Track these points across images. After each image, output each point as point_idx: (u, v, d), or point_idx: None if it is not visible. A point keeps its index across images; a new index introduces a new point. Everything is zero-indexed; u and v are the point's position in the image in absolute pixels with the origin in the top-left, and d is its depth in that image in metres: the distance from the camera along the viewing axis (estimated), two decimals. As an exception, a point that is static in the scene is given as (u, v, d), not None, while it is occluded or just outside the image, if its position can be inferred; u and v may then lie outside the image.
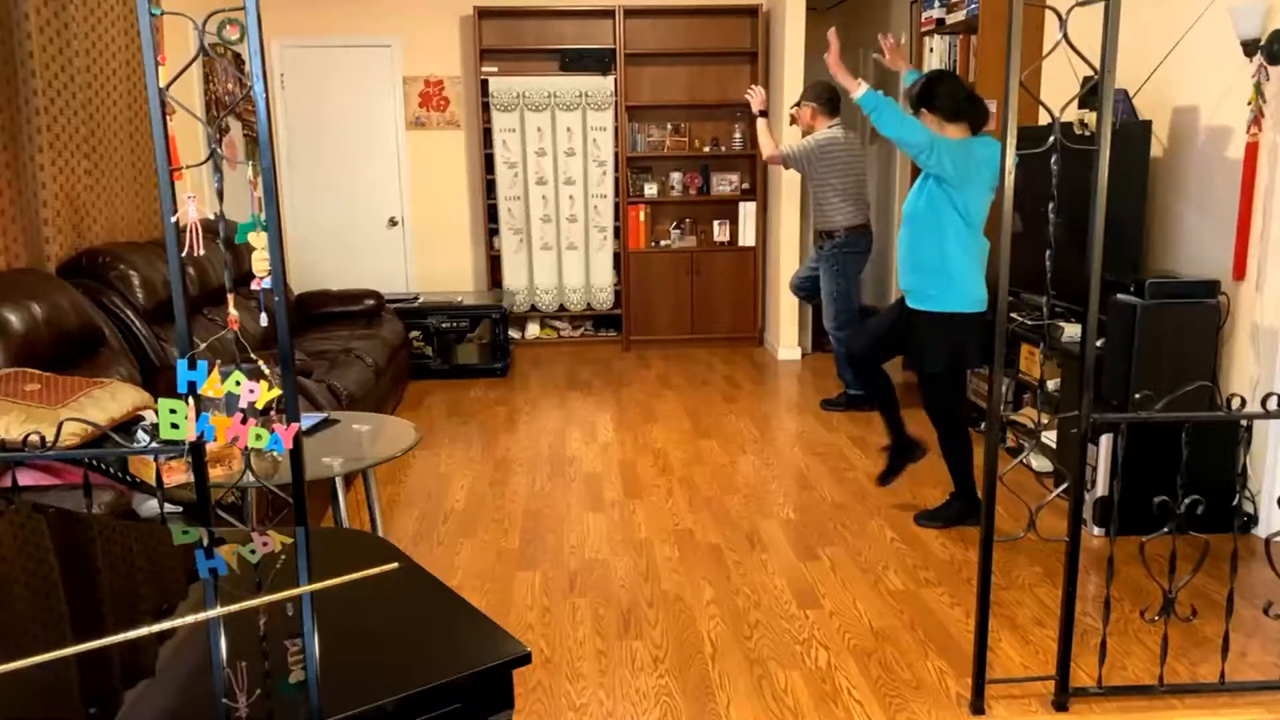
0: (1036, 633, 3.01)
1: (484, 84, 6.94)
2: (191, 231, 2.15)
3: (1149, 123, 4.02)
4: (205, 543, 1.79)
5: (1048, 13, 3.70)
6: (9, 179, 3.77)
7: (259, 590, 1.54)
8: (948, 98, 3.46)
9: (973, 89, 3.67)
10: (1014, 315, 4.56)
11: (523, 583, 3.41)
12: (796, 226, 6.71)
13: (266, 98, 2.12)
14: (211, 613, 1.47)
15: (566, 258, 7.21)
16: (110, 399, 2.86)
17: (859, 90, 3.50)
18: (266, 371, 2.31)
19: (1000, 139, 2.33)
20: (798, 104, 5.54)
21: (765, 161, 5.75)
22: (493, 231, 7.24)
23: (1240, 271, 3.74)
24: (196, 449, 2.24)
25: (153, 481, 2.58)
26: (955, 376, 3.70)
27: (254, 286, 2.19)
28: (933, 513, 3.85)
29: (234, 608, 1.48)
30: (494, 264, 7.32)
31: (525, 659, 1.37)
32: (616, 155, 7.05)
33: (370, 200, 7.31)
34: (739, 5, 7.10)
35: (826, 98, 5.42)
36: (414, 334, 6.37)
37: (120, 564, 1.70)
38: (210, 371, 2.13)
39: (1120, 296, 3.81)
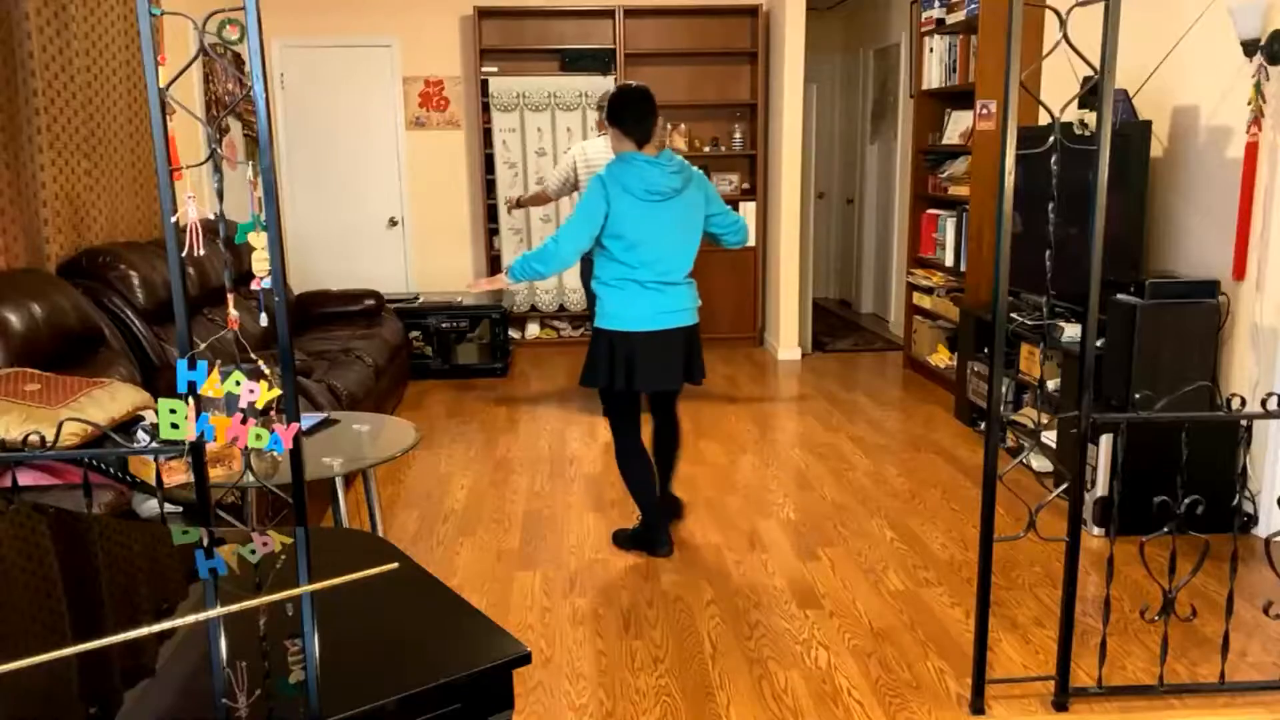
0: (1036, 633, 3.01)
1: (484, 84, 6.95)
2: (191, 231, 2.15)
3: (1149, 123, 4.02)
4: (205, 543, 1.79)
5: (1048, 13, 3.71)
6: (9, 179, 3.77)
7: (259, 590, 1.54)
8: (614, 117, 3.40)
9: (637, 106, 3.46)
10: (1014, 315, 4.57)
11: (523, 583, 3.41)
12: (796, 226, 6.71)
13: (266, 98, 2.12)
14: (211, 613, 1.47)
15: (566, 258, 7.21)
16: (110, 399, 2.87)
17: (506, 276, 3.53)
18: (266, 371, 2.31)
19: (1000, 139, 2.33)
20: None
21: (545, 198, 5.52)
22: (493, 231, 7.24)
23: (1240, 271, 3.74)
24: (196, 449, 2.24)
25: (153, 481, 2.58)
26: (623, 400, 3.54)
27: (254, 286, 2.19)
28: (623, 533, 3.72)
29: (234, 608, 1.48)
30: (494, 264, 7.32)
31: (525, 659, 1.37)
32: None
33: (370, 200, 7.31)
34: (739, 5, 7.10)
35: (601, 103, 4.92)
36: (414, 334, 6.38)
37: (120, 564, 1.70)
38: (210, 371, 2.13)
39: (1120, 296, 3.81)
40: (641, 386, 3.42)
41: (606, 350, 3.41)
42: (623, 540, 3.70)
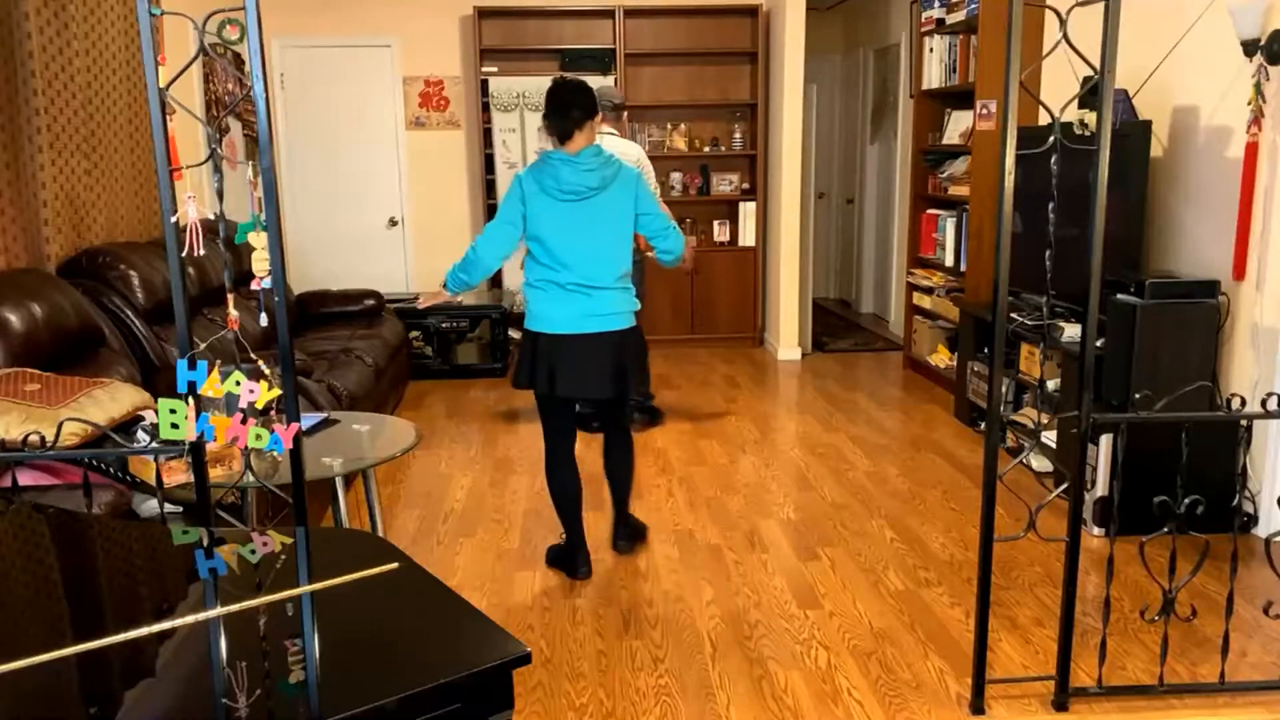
0: (1036, 633, 3.01)
1: (484, 84, 6.94)
2: (191, 231, 2.15)
3: (1149, 123, 4.02)
4: (205, 543, 1.79)
5: (1048, 13, 3.70)
6: (9, 179, 3.77)
7: (259, 590, 1.54)
8: (544, 113, 3.33)
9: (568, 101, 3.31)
10: (1014, 315, 4.56)
11: (523, 583, 3.41)
12: (796, 226, 6.71)
13: (266, 98, 2.12)
14: (211, 613, 1.47)
15: (566, 258, 7.21)
16: (110, 399, 2.86)
17: (445, 289, 3.41)
18: (266, 371, 2.31)
19: (1000, 139, 2.33)
20: None
21: None
22: (493, 231, 7.24)
23: (1240, 271, 3.74)
24: (196, 449, 2.24)
25: (153, 481, 2.58)
26: (551, 405, 3.38)
27: (254, 286, 2.19)
28: (552, 550, 3.58)
29: (234, 608, 1.48)
30: (494, 264, 7.32)
31: (525, 659, 1.37)
32: (616, 155, 7.04)
33: (370, 200, 7.31)
34: (739, 5, 7.10)
35: (611, 101, 4.45)
36: (414, 334, 6.38)
37: (120, 564, 1.70)
38: (210, 371, 2.13)
39: (1120, 296, 3.81)
40: (564, 391, 3.24)
41: (530, 351, 3.27)
42: (549, 558, 3.56)
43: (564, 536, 3.53)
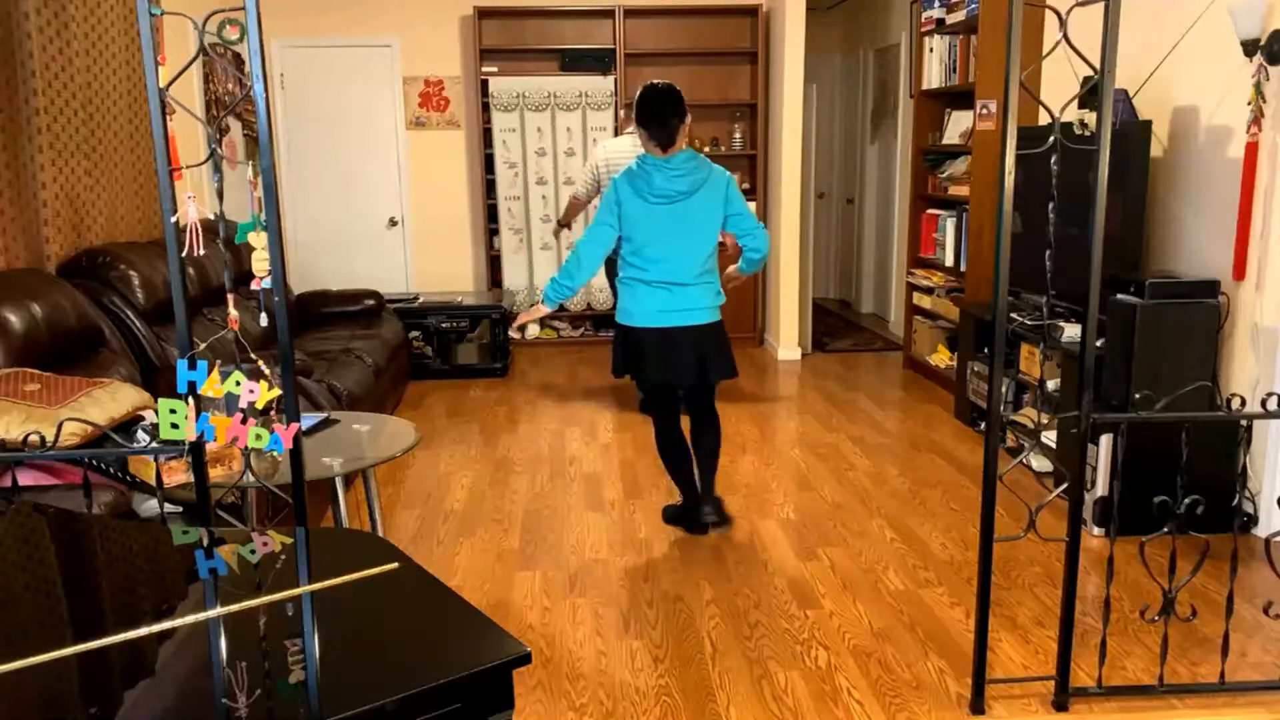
0: (1036, 633, 3.01)
1: (484, 84, 6.95)
2: (191, 231, 2.15)
3: (1149, 123, 4.02)
4: (205, 543, 1.79)
5: (1048, 13, 3.71)
6: (9, 179, 3.77)
7: (259, 590, 1.54)
8: (638, 119, 3.37)
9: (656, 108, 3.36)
10: (1014, 315, 4.57)
11: (523, 583, 3.41)
12: (796, 226, 6.71)
13: (266, 98, 2.12)
14: (211, 613, 1.47)
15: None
16: (110, 399, 2.87)
17: (544, 304, 3.55)
18: (266, 371, 2.31)
19: (1000, 139, 2.33)
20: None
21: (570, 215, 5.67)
22: (493, 231, 7.25)
23: (1240, 271, 3.74)
24: (196, 449, 2.24)
25: (153, 481, 2.58)
26: (656, 391, 3.72)
27: (254, 286, 2.19)
28: (670, 509, 3.92)
29: (234, 608, 1.48)
30: (494, 264, 7.32)
31: (525, 659, 1.37)
32: (616, 155, 7.04)
33: (370, 200, 7.31)
34: (739, 5, 7.10)
35: (630, 101, 4.78)
36: (414, 334, 6.38)
37: (120, 564, 1.70)
38: (210, 371, 2.13)
39: (1120, 296, 3.81)
40: (651, 380, 3.54)
41: (621, 343, 3.59)
42: (667, 515, 3.88)
43: (680, 498, 3.83)
